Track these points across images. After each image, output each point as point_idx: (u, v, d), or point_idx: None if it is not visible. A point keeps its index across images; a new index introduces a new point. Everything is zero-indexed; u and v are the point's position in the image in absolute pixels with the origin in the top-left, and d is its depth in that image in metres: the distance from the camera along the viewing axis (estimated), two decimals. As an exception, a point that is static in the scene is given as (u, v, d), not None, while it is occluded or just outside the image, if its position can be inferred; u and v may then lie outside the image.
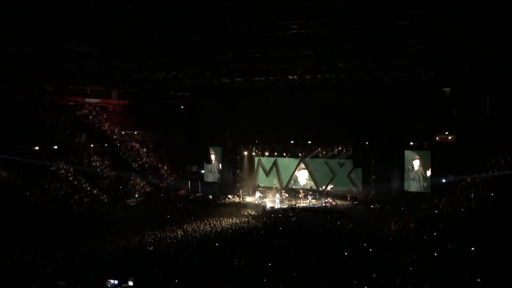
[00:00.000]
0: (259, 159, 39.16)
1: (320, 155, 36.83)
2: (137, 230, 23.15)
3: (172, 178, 37.41)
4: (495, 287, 13.48)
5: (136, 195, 32.71)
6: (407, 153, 31.68)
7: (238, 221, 26.52)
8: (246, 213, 29.39)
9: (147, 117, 40.04)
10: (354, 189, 35.08)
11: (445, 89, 31.68)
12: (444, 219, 22.05)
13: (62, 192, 27.96)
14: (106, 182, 32.04)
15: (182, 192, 36.55)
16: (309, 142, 37.25)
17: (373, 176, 33.69)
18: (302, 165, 37.56)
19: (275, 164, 38.53)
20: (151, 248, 20.63)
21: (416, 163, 31.03)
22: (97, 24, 18.56)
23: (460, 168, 26.99)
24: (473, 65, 25.11)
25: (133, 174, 34.97)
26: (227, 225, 25.46)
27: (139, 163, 37.14)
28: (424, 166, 30.97)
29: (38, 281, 15.48)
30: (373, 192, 33.23)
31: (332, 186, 36.14)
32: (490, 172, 24.52)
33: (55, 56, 24.73)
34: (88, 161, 32.93)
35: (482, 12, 16.62)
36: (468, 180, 25.40)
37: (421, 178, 31.00)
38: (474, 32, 18.99)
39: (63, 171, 30.17)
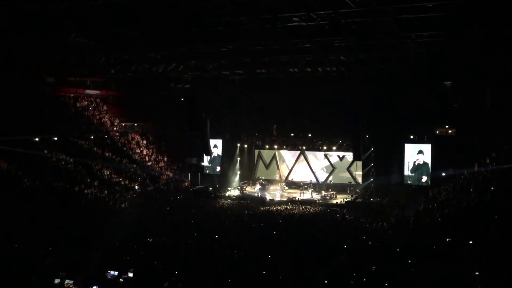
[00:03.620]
0: (259, 152, 39.19)
1: (320, 148, 36.83)
2: (137, 222, 23.19)
3: (172, 170, 37.43)
4: (493, 281, 13.53)
5: (136, 187, 32.73)
6: (408, 146, 31.68)
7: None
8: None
9: (147, 109, 40.00)
10: (354, 182, 35.16)
11: (445, 82, 31.62)
12: (443, 213, 22.08)
13: (62, 184, 27.96)
14: (106, 173, 32.05)
15: (182, 184, 36.61)
16: (309, 135, 37.26)
17: (373, 170, 33.75)
18: (302, 158, 37.58)
19: (275, 156, 38.57)
20: (151, 239, 20.71)
21: (419, 157, 30.99)
22: (97, 15, 18.50)
23: (460, 162, 27.00)
24: (473, 59, 25.06)
25: (133, 165, 34.98)
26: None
27: (139, 154, 37.14)
28: (424, 159, 31.00)
29: (38, 272, 15.55)
30: (372, 185, 33.30)
31: (331, 179, 36.24)
32: (490, 165, 24.53)
33: (55, 47, 24.67)
34: (88, 153, 32.90)
35: (483, 4, 16.58)
36: (468, 173, 25.41)
37: (422, 171, 31.02)
38: (475, 25, 18.93)
39: (63, 163, 30.15)
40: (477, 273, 13.72)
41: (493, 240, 16.50)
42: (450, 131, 33.09)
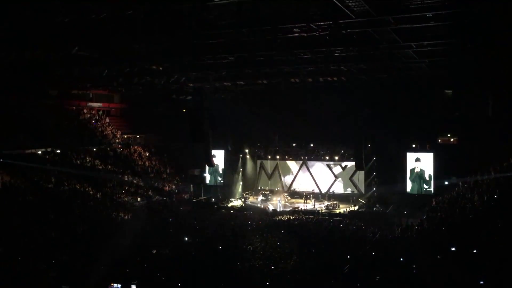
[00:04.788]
0: (261, 162, 39.20)
1: (322, 157, 36.83)
2: (140, 234, 23.16)
3: (174, 182, 37.45)
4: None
5: (139, 199, 32.75)
6: (411, 154, 31.61)
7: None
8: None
9: (150, 121, 40.13)
10: (357, 192, 35.10)
11: (447, 91, 31.69)
12: (447, 221, 22.00)
13: (65, 196, 28.00)
14: (109, 186, 32.08)
15: (185, 195, 36.58)
16: (311, 145, 37.28)
17: (375, 179, 33.69)
18: (304, 168, 37.56)
19: (277, 167, 38.56)
20: (154, 251, 20.67)
21: (422, 165, 30.86)
22: (99, 28, 18.65)
23: (462, 170, 26.95)
24: (475, 67, 25.12)
25: (136, 177, 35.01)
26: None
27: (141, 166, 37.19)
28: (426, 168, 30.89)
29: (42, 286, 15.53)
30: (375, 194, 33.22)
31: (333, 189, 36.17)
32: (493, 174, 24.47)
33: (58, 60, 24.84)
34: (91, 165, 32.97)
35: (483, 13, 16.67)
36: (471, 182, 25.36)
37: (424, 180, 30.90)
38: (476, 34, 19.02)
39: (66, 175, 30.19)
40: (481, 282, 13.65)
41: (498, 248, 16.42)
42: (452, 140, 33.07)
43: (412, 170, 30.97)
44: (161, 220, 28.43)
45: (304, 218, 28.92)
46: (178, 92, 35.92)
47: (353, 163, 34.04)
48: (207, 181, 38.65)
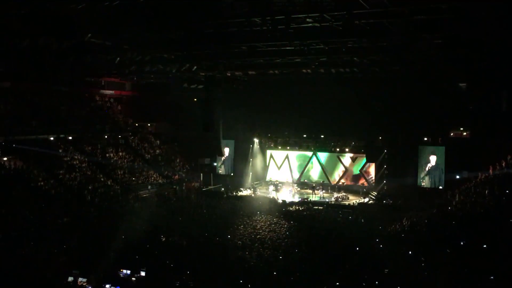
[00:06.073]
0: (272, 153, 39.21)
1: (332, 149, 36.74)
2: (150, 222, 23.32)
3: (184, 170, 37.62)
4: (507, 285, 13.39)
5: (149, 187, 32.95)
6: (422, 148, 31.42)
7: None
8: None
9: (161, 109, 40.25)
10: (367, 184, 34.99)
11: (460, 84, 31.29)
12: (457, 216, 21.86)
13: (76, 182, 28.27)
14: (119, 173, 32.31)
15: (194, 184, 36.75)
16: (322, 136, 37.19)
17: (386, 172, 33.54)
18: (315, 159, 37.50)
19: (287, 157, 38.55)
20: (163, 239, 20.84)
21: (433, 159, 30.67)
22: (112, 16, 18.64)
23: (474, 165, 26.72)
24: (489, 60, 24.75)
25: (146, 165, 35.24)
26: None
27: (152, 154, 37.37)
28: (439, 162, 30.69)
29: (52, 270, 15.74)
30: (385, 187, 33.09)
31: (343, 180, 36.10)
32: (505, 169, 24.23)
33: (71, 47, 24.89)
34: (102, 152, 33.23)
35: (497, 6, 16.38)
36: (483, 176, 25.14)
37: (435, 174, 30.72)
38: (490, 27, 18.71)
39: (77, 162, 30.48)
40: (491, 277, 13.58)
41: (508, 244, 16.30)
42: (464, 134, 32.76)
43: (426, 164, 30.78)
44: (171, 208, 28.61)
45: (313, 209, 28.92)
46: (189, 81, 35.88)
47: (364, 155, 33.96)
48: (217, 170, 38.78)
